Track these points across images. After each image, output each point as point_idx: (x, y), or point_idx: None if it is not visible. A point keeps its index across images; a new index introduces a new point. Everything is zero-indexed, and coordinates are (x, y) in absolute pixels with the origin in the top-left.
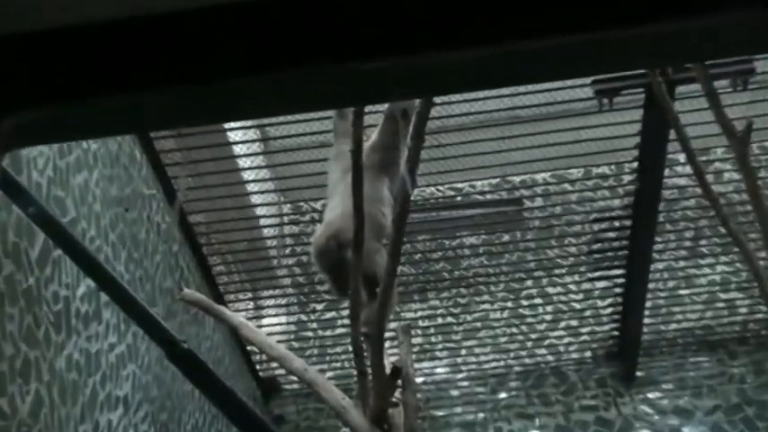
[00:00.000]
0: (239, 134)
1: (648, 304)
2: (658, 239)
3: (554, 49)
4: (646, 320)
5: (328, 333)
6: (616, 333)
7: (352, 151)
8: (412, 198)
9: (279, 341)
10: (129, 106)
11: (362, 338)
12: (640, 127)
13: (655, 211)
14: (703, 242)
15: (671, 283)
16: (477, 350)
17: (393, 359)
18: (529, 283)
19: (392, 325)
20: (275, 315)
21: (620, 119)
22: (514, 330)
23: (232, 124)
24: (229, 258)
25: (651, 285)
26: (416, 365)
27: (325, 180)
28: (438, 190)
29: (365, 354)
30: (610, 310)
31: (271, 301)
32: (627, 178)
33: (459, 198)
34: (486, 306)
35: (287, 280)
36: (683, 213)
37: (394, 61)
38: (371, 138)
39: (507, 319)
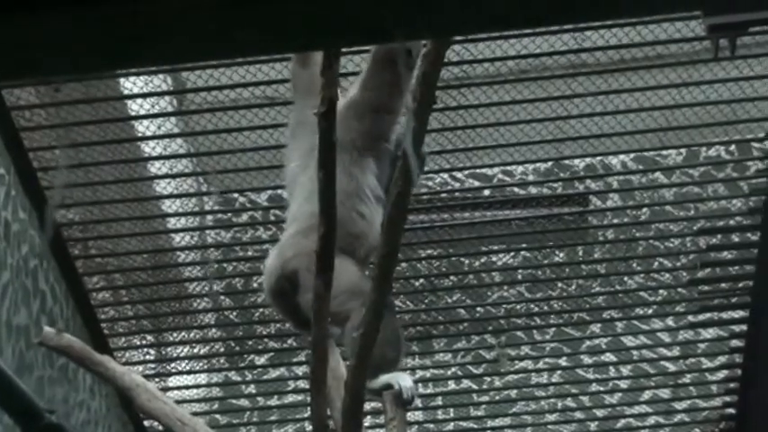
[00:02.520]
0: (138, 82)
1: None
2: None
3: None
4: None
5: (274, 402)
6: (732, 411)
7: (319, 116)
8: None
9: (193, 413)
10: None
11: (330, 411)
12: None
13: None
14: None
15: None
16: None
17: None
18: (595, 329)
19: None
20: (190, 372)
21: (748, 72)
22: (570, 404)
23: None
24: (119, 281)
25: None
26: None
27: (276, 160)
28: (454, 178)
29: None
30: (723, 374)
31: (184, 350)
32: (755, 167)
33: (486, 192)
34: (527, 364)
35: (210, 316)
36: None
37: None
38: (350, 94)
39: (559, 386)
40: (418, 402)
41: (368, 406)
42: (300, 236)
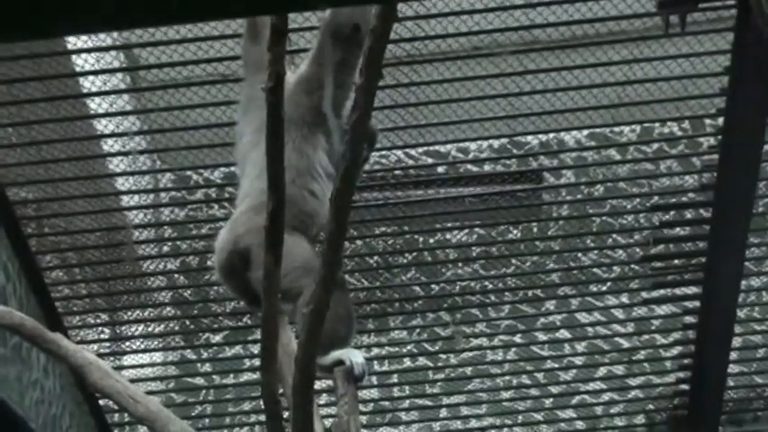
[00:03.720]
0: (90, 59)
1: (737, 342)
2: (754, 240)
3: None
4: (732, 368)
5: (230, 380)
6: (685, 387)
7: (267, 91)
8: (367, 168)
9: (149, 392)
10: None
11: (281, 388)
12: (729, 62)
13: (749, 196)
14: None
15: None
16: (465, 410)
17: (328, 422)
18: (550, 305)
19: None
20: (145, 350)
21: (699, 48)
22: (525, 380)
23: (79, 43)
24: (73, 258)
25: (742, 313)
26: None
27: (230, 137)
28: (408, 156)
29: (285, 414)
30: (677, 350)
31: (139, 329)
32: (707, 143)
33: (441, 170)
34: (482, 341)
35: (165, 294)
36: None
37: None
38: (300, 69)
39: (514, 363)
40: (373, 379)
41: (323, 384)
42: (252, 212)
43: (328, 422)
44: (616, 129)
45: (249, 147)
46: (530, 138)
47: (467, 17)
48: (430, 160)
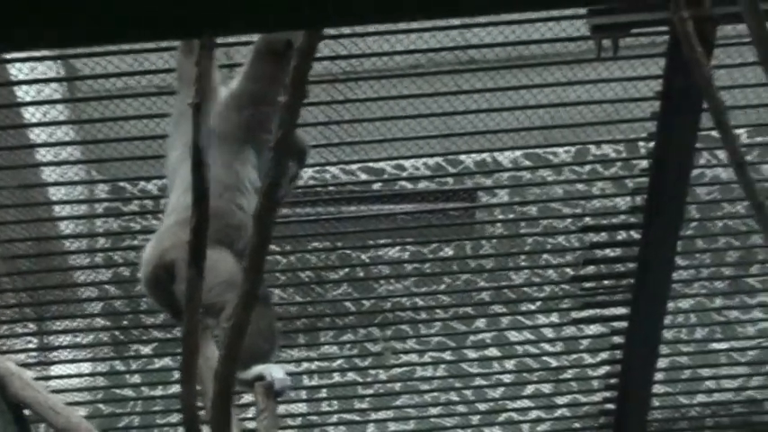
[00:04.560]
0: (25, 69)
1: (663, 363)
2: (682, 263)
3: None
4: (657, 388)
5: (158, 392)
6: (611, 406)
7: (193, 106)
8: (301, 183)
9: (77, 402)
10: None
11: (200, 402)
12: (661, 86)
13: (678, 219)
14: (755, 269)
15: (699, 332)
16: (392, 426)
17: None
18: (480, 323)
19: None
20: (73, 360)
21: (631, 73)
22: (454, 397)
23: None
24: (1, 268)
25: (669, 335)
26: None
27: (164, 149)
28: (345, 172)
29: (203, 428)
30: (604, 370)
31: (67, 338)
32: (638, 166)
33: (376, 186)
34: (412, 357)
35: (96, 305)
36: (724, 224)
37: None
38: (231, 85)
39: (443, 380)
40: (302, 394)
41: (248, 398)
42: (178, 227)
43: None
44: (550, 150)
45: (178, 161)
46: (464, 157)
47: (403, 36)
48: (365, 177)
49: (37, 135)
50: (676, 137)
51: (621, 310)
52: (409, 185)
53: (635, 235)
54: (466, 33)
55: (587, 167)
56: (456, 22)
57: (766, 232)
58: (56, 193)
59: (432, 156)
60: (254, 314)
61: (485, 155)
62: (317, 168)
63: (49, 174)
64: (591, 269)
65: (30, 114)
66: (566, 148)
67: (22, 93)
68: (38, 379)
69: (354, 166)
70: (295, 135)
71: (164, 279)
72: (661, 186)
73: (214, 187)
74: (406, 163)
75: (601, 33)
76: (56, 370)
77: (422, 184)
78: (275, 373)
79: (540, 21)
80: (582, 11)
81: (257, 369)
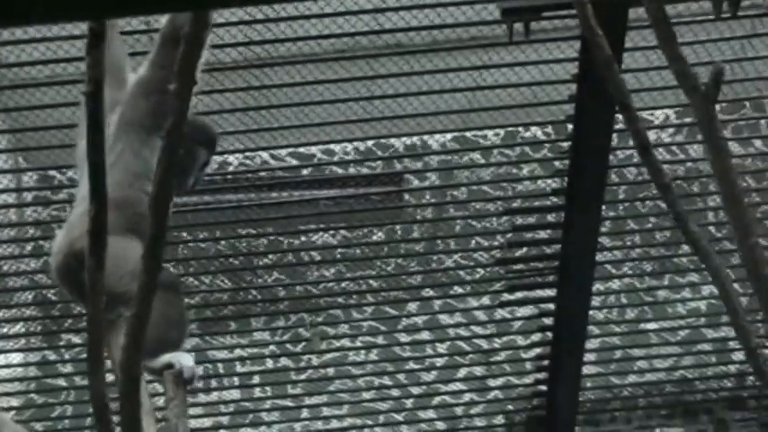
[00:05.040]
0: None
1: (594, 344)
2: (607, 243)
3: None
4: (589, 369)
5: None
6: (543, 388)
7: (87, 95)
8: (232, 170)
9: (8, 393)
10: None
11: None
12: (576, 69)
13: (599, 200)
14: (683, 250)
15: (629, 313)
16: (326, 411)
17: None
18: (412, 307)
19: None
20: (4, 351)
21: (547, 55)
22: (386, 381)
23: None
24: None
25: (600, 315)
26: None
27: (72, 137)
28: (274, 157)
29: (113, 417)
30: (535, 352)
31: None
32: (559, 148)
33: (305, 171)
34: (344, 342)
35: (26, 294)
36: (651, 204)
37: None
38: (139, 73)
39: (376, 363)
40: (235, 380)
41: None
42: (87, 215)
43: None
44: (479, 133)
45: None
46: (393, 141)
47: (316, 20)
48: (294, 162)
49: None
50: (593, 119)
51: (548, 293)
52: (339, 170)
53: (558, 217)
54: (380, 18)
55: (516, 150)
56: (369, 5)
57: (674, 214)
58: None
59: (359, 140)
60: (162, 302)
61: (414, 138)
62: (247, 154)
63: None
64: (521, 252)
65: None
66: (494, 131)
67: None
68: None
69: (283, 152)
70: (203, 123)
71: (74, 268)
72: (581, 168)
73: (124, 176)
74: (336, 148)
75: (512, 17)
76: None
77: (351, 170)
78: (184, 360)
79: (453, 5)
80: None
81: (166, 357)
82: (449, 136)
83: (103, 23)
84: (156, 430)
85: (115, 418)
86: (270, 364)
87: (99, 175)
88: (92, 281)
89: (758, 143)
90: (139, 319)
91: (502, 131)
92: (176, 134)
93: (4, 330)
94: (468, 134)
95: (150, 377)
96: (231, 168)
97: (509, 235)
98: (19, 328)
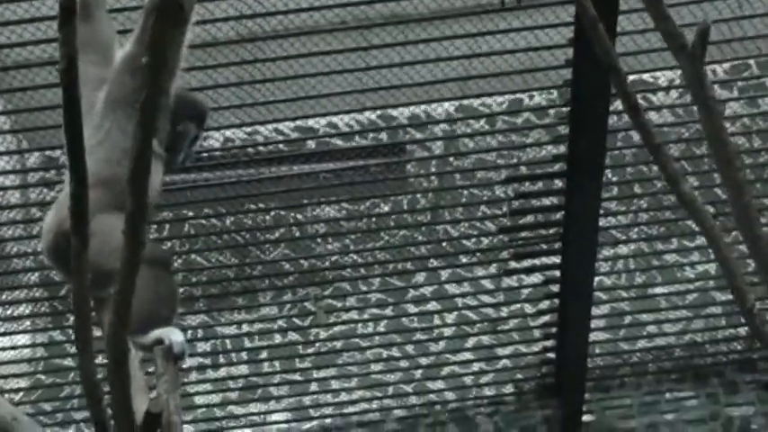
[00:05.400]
0: None
1: (603, 310)
2: (612, 208)
3: None
4: (597, 336)
5: (98, 360)
6: (551, 356)
7: (61, 72)
8: (234, 145)
9: (16, 375)
10: None
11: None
12: (572, 34)
13: (599, 165)
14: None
15: (637, 278)
16: (335, 384)
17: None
18: (419, 278)
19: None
20: (11, 333)
21: (543, 21)
22: (395, 353)
23: None
24: None
25: (610, 281)
26: (242, 408)
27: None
28: (277, 131)
29: (105, 395)
30: (543, 320)
31: (7, 311)
32: (559, 114)
33: (310, 144)
34: (352, 315)
35: (32, 275)
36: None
37: None
38: (124, 49)
39: (385, 335)
40: (243, 355)
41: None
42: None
43: None
44: (478, 101)
45: None
46: (393, 111)
47: None
48: (296, 135)
49: None
50: (590, 83)
51: (554, 260)
52: (339, 143)
53: (560, 183)
54: None
55: (517, 117)
56: None
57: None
58: None
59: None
60: (153, 279)
61: (413, 108)
62: (249, 130)
63: None
64: (525, 219)
65: None
66: (493, 98)
67: None
68: None
69: (285, 126)
70: (192, 97)
71: (64, 247)
72: (580, 133)
73: (111, 153)
74: (338, 121)
75: None
76: None
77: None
78: (174, 336)
79: None
80: None
81: (156, 333)
82: (447, 105)
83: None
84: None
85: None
86: (278, 338)
87: (77, 152)
88: (76, 259)
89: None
90: (123, 296)
91: (506, 100)
92: (152, 108)
93: (10, 312)
94: (466, 102)
95: (141, 353)
96: (234, 144)
97: (512, 203)
98: (23, 309)
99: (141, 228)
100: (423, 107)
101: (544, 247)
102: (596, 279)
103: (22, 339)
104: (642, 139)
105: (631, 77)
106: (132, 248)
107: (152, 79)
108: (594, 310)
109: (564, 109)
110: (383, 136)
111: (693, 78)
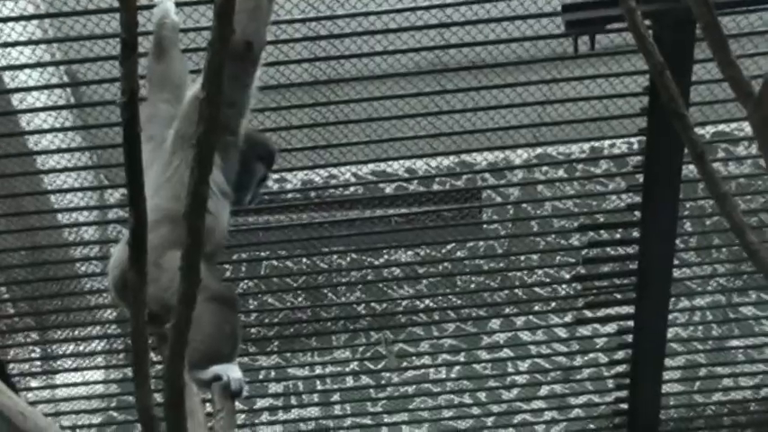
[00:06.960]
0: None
1: (678, 362)
2: (688, 258)
3: None
4: (672, 387)
5: None
6: (624, 406)
7: (121, 106)
8: (312, 186)
9: (89, 411)
10: None
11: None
12: (648, 81)
13: (673, 215)
14: None
15: (713, 331)
16: (405, 429)
17: None
18: (493, 324)
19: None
20: (78, 368)
21: (617, 68)
22: (467, 400)
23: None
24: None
25: (685, 333)
26: None
27: None
28: (355, 175)
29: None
30: (616, 370)
31: (72, 346)
32: (631, 162)
33: (387, 188)
34: (425, 360)
35: (106, 312)
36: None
37: None
38: (195, 86)
39: (457, 381)
40: (314, 398)
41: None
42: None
43: None
44: (562, 149)
45: (146, 165)
46: (466, 157)
47: (381, 36)
48: (373, 179)
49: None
50: (666, 131)
51: (627, 309)
52: (416, 187)
53: (635, 232)
54: (444, 33)
55: (591, 166)
56: (434, 21)
57: (731, 224)
58: (62, 200)
59: (431, 156)
60: (216, 316)
61: (487, 154)
62: (325, 174)
63: (51, 180)
64: (596, 268)
65: (41, 120)
66: (566, 146)
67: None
68: (48, 387)
69: (362, 169)
70: (262, 138)
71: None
72: (655, 182)
73: (178, 190)
74: (414, 165)
75: (576, 29)
76: (66, 378)
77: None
78: (232, 373)
79: (518, 18)
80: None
81: (214, 369)
82: (520, 151)
83: (135, 35)
84: None
85: None
86: (350, 381)
87: (136, 186)
88: (133, 294)
89: None
90: (180, 331)
91: (583, 147)
92: (208, 144)
93: (83, 348)
94: (540, 149)
95: (199, 389)
96: (312, 186)
97: (585, 251)
98: (96, 345)
99: (197, 263)
100: (498, 153)
101: (618, 296)
102: (671, 330)
103: (95, 375)
104: (708, 187)
105: (711, 129)
106: (188, 284)
107: (207, 113)
108: (669, 362)
109: (639, 157)
110: (459, 182)
111: (759, 127)
